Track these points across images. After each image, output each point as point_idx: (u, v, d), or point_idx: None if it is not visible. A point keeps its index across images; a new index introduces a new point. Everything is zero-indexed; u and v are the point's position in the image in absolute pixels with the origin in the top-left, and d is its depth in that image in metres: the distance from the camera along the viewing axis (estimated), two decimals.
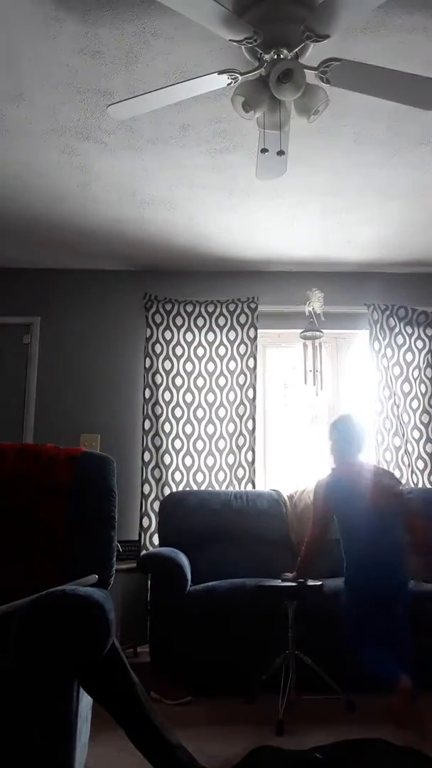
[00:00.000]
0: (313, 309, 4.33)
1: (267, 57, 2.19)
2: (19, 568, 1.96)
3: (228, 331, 4.51)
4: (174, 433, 4.35)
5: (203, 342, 4.49)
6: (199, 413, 4.39)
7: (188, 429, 4.37)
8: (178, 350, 4.48)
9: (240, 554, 3.33)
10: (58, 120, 2.90)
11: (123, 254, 4.41)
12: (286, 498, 3.99)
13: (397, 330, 4.53)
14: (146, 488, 4.25)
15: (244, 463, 4.29)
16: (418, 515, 2.92)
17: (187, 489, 4.23)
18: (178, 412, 4.39)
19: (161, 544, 3.82)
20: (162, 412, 4.37)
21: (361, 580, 2.83)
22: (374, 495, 2.83)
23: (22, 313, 4.57)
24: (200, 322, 4.51)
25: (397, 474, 4.30)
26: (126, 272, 4.66)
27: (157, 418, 4.35)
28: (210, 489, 4.22)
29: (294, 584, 2.93)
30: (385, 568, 2.78)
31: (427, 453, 4.39)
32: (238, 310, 4.52)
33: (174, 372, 4.44)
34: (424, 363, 4.51)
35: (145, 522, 4.19)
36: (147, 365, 4.43)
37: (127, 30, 2.35)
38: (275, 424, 4.68)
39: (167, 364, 4.45)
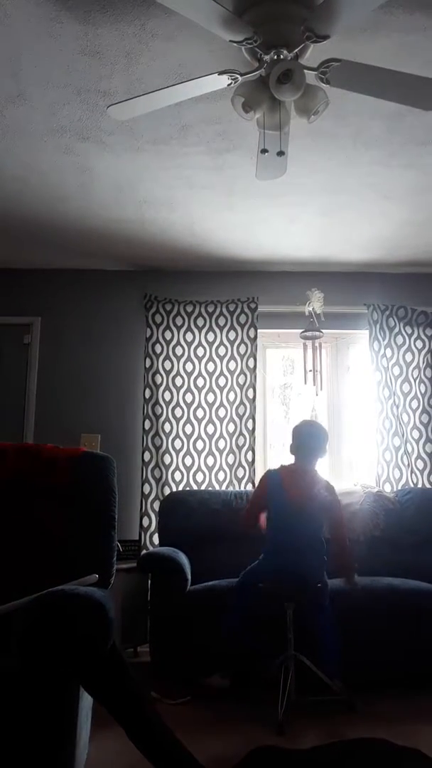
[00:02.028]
0: (313, 309, 4.33)
1: (267, 57, 2.19)
2: (19, 568, 1.96)
3: (228, 331, 4.51)
4: (174, 433, 4.36)
5: (203, 342, 4.50)
6: (199, 413, 4.39)
7: (188, 429, 4.37)
8: (178, 350, 4.48)
9: (240, 554, 3.33)
10: (59, 120, 2.91)
11: (123, 254, 4.42)
12: None
13: (396, 330, 4.53)
14: (146, 488, 4.25)
15: (244, 463, 4.30)
16: (341, 527, 3.18)
17: (187, 489, 4.23)
18: (178, 412, 4.39)
19: (161, 544, 3.82)
20: (162, 412, 4.37)
21: (273, 557, 3.06)
22: (295, 495, 3.10)
23: (23, 313, 4.57)
24: (200, 322, 4.51)
25: (397, 474, 4.31)
26: (126, 272, 4.66)
27: (157, 418, 4.36)
28: (210, 489, 4.22)
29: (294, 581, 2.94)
30: (297, 553, 2.99)
31: (426, 453, 4.40)
32: (238, 310, 4.52)
33: (174, 372, 4.44)
34: (423, 363, 4.51)
35: (145, 522, 4.20)
36: (147, 365, 4.43)
37: (127, 31, 2.35)
38: (275, 424, 4.69)
39: (167, 364, 4.45)
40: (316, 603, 2.99)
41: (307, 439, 3.26)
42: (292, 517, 3.05)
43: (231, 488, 4.23)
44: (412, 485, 4.29)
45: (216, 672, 2.93)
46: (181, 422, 4.37)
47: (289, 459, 3.34)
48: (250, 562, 3.15)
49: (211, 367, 4.46)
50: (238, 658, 2.98)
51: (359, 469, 4.54)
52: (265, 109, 2.31)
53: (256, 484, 3.36)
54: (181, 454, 4.34)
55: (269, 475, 3.27)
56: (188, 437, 4.36)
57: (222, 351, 4.49)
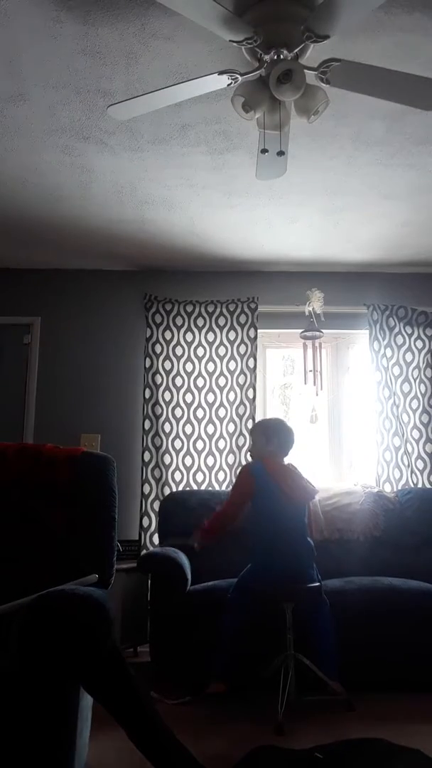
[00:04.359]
0: (313, 309, 4.33)
1: (267, 57, 2.19)
2: (19, 568, 1.96)
3: (228, 331, 4.51)
4: (174, 433, 4.36)
5: (203, 342, 4.50)
6: (199, 413, 4.39)
7: (188, 429, 4.37)
8: (178, 350, 4.48)
9: (240, 554, 3.32)
10: (59, 120, 2.91)
11: (123, 254, 4.42)
12: None
13: (396, 330, 4.53)
14: (146, 488, 4.25)
15: (243, 463, 4.29)
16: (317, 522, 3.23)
17: (187, 489, 4.23)
18: (178, 412, 4.39)
19: (161, 544, 3.82)
20: (162, 412, 4.37)
21: (268, 557, 2.98)
22: (289, 490, 3.04)
23: (23, 313, 4.57)
24: (200, 322, 4.51)
25: (397, 474, 4.31)
26: (126, 272, 4.66)
27: (157, 418, 4.35)
28: (210, 489, 4.22)
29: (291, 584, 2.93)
30: (291, 549, 2.96)
31: (426, 453, 4.40)
32: (238, 310, 4.52)
33: (174, 372, 4.44)
34: (423, 363, 4.51)
35: (145, 522, 4.20)
36: (147, 365, 4.43)
37: (127, 30, 2.35)
38: None
39: (167, 364, 4.45)
40: (314, 602, 2.98)
41: (287, 436, 3.23)
42: (283, 514, 3.01)
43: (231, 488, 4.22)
44: (412, 485, 4.29)
45: (214, 678, 2.93)
46: (181, 422, 4.37)
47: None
48: (248, 563, 3.14)
49: (211, 367, 4.46)
50: (236, 663, 2.96)
51: (359, 469, 4.54)
52: (265, 109, 2.31)
53: (237, 478, 3.26)
54: (181, 454, 4.34)
55: (253, 469, 3.13)
56: (188, 437, 4.36)
57: (222, 351, 4.48)
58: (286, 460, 3.26)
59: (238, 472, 3.70)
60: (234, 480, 4.20)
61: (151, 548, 4.04)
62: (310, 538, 3.13)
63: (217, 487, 4.26)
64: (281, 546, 2.97)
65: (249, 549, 3.12)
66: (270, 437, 3.22)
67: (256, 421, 3.42)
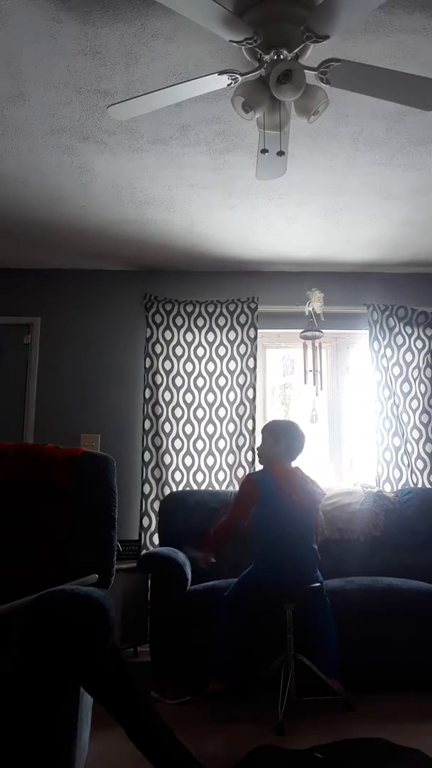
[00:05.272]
0: (313, 309, 4.33)
1: (267, 57, 2.19)
2: (19, 568, 1.96)
3: (228, 331, 4.51)
4: (174, 433, 4.36)
5: (203, 342, 4.50)
6: (199, 413, 4.39)
7: (188, 429, 4.37)
8: (178, 350, 4.48)
9: (240, 554, 3.33)
10: (58, 120, 2.91)
11: (123, 254, 4.42)
12: None
13: (396, 330, 4.53)
14: (146, 488, 4.25)
15: (244, 463, 4.30)
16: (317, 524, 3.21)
17: (187, 489, 4.23)
18: (178, 412, 4.39)
19: (161, 544, 3.82)
20: (162, 412, 4.37)
21: (271, 558, 2.99)
22: (296, 496, 3.05)
23: (23, 313, 4.57)
24: (200, 322, 4.51)
25: (397, 474, 4.31)
26: (126, 272, 4.66)
27: (157, 418, 4.35)
28: (210, 489, 4.22)
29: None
30: (296, 551, 2.97)
31: (426, 453, 4.40)
32: (238, 310, 4.52)
33: (174, 372, 4.44)
34: (423, 363, 4.51)
35: (145, 522, 4.20)
36: (147, 365, 4.43)
37: (127, 31, 2.35)
38: None
39: (167, 364, 4.45)
40: (315, 603, 2.98)
41: (297, 440, 3.21)
42: (288, 516, 3.01)
43: (231, 488, 4.22)
44: (412, 485, 4.29)
45: (212, 677, 2.93)
46: (181, 422, 4.37)
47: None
48: (248, 564, 3.14)
49: (211, 367, 4.46)
50: (233, 661, 2.96)
51: (359, 469, 4.54)
52: (265, 109, 2.31)
53: (240, 489, 3.23)
54: (181, 454, 4.34)
55: (257, 478, 3.14)
56: (188, 437, 4.36)
57: (222, 351, 4.48)
58: (294, 463, 3.22)
59: (240, 481, 3.68)
60: (236, 485, 4.22)
61: (151, 548, 4.04)
62: (315, 544, 3.10)
63: (217, 487, 4.26)
64: (285, 548, 2.97)
65: (251, 550, 3.12)
66: (279, 438, 3.20)
67: (268, 421, 3.39)
